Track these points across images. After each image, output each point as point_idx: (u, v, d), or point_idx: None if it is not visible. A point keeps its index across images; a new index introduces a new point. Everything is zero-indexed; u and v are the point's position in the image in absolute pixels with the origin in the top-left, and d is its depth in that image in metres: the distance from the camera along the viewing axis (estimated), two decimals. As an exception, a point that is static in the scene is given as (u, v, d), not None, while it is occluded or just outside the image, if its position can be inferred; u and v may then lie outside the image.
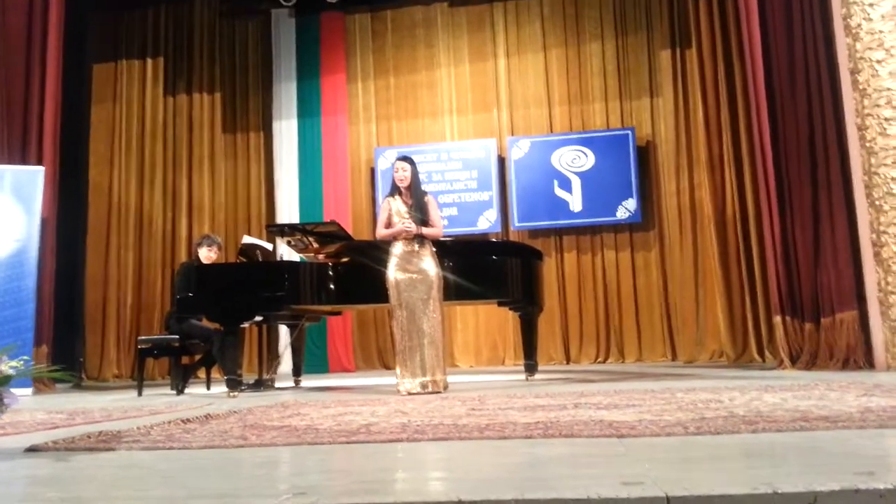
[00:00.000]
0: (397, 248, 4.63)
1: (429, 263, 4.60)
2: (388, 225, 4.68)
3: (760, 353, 6.82)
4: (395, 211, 4.68)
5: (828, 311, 5.33)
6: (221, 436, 2.52)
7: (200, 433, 2.63)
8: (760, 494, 1.28)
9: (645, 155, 8.31)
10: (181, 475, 1.81)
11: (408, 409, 3.29)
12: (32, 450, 2.32)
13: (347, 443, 2.26)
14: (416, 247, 4.62)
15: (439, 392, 4.38)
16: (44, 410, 4.02)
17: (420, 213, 4.64)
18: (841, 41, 5.23)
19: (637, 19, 8.45)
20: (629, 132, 8.26)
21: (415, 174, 4.73)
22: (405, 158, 4.80)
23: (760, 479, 1.36)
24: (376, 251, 4.91)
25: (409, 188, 4.70)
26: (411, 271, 4.57)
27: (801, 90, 5.53)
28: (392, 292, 4.56)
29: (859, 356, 5.12)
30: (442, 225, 4.88)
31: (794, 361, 5.45)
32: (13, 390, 2.40)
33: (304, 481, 1.65)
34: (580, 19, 8.60)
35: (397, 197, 4.72)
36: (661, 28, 8.23)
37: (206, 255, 5.71)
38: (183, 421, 3.09)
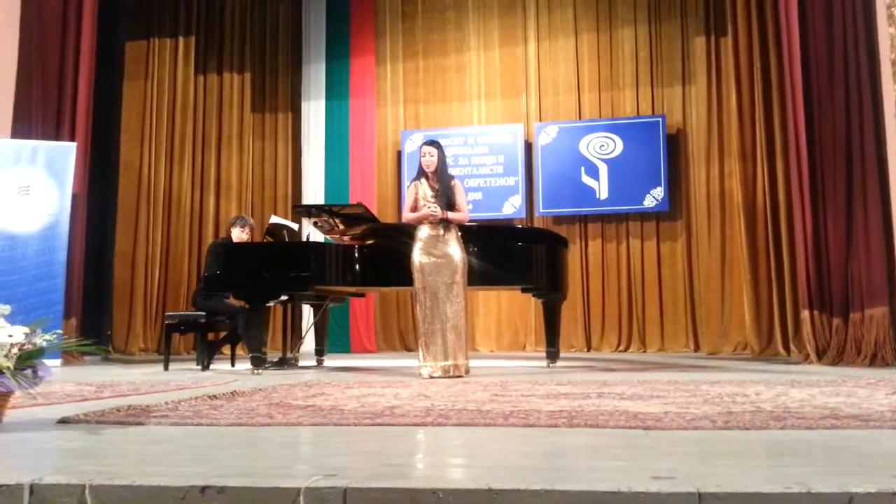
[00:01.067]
0: (423, 232, 4.63)
1: (454, 248, 4.60)
2: (415, 209, 4.67)
3: (785, 346, 6.73)
4: (422, 195, 4.67)
5: (857, 307, 5.24)
6: (248, 413, 2.55)
7: (227, 410, 2.66)
8: (794, 493, 1.26)
9: (675, 143, 8.20)
10: (211, 452, 1.83)
11: (430, 393, 3.31)
12: (64, 421, 2.37)
13: (372, 425, 2.27)
14: (442, 231, 4.61)
15: (461, 376, 4.40)
16: (73, 382, 4.10)
17: (446, 197, 4.63)
18: (883, 31, 5.09)
19: (672, 5, 8.31)
20: (660, 120, 8.15)
21: (442, 159, 4.71)
22: (432, 143, 4.78)
23: (792, 478, 1.35)
24: (402, 234, 4.92)
25: (435, 172, 4.68)
26: (436, 255, 4.56)
27: (840, 81, 5.41)
28: (416, 276, 4.57)
29: (888, 353, 5.04)
30: (468, 210, 4.86)
31: (820, 356, 5.38)
32: (45, 362, 2.45)
33: (333, 462, 1.67)
34: (613, 4, 8.48)
35: (424, 181, 4.71)
36: (696, 15, 8.08)
37: (238, 235, 5.76)
38: (210, 397, 3.13)
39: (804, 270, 5.56)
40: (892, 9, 5.02)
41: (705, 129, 7.90)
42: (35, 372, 2.36)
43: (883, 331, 5.08)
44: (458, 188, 4.75)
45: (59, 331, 2.56)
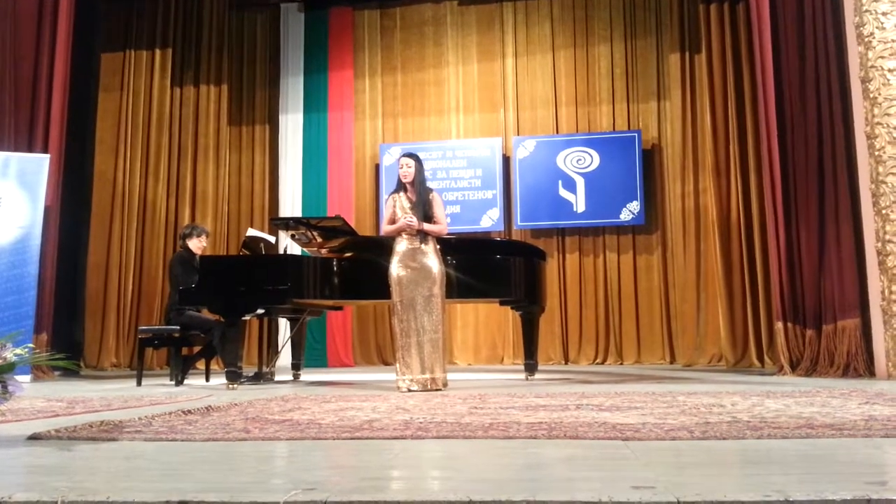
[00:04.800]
0: (401, 245, 4.62)
1: (432, 260, 4.59)
2: (393, 221, 4.67)
3: (760, 358, 6.83)
4: (400, 207, 4.67)
5: (830, 319, 5.33)
6: (224, 428, 2.51)
7: (202, 425, 2.62)
8: (772, 501, 1.27)
9: (650, 158, 8.30)
10: (186, 468, 1.80)
11: (409, 406, 3.29)
12: (34, 438, 2.32)
13: (351, 439, 2.25)
14: (420, 243, 4.60)
15: (439, 389, 4.38)
16: (43, 398, 4.01)
17: (423, 208, 4.63)
18: (853, 49, 5.22)
19: (647, 23, 8.44)
20: (635, 135, 8.25)
21: (419, 171, 4.72)
22: (410, 155, 4.79)
23: (771, 486, 1.36)
24: (380, 247, 4.90)
25: (412, 184, 4.68)
26: (414, 267, 4.55)
27: (811, 97, 5.52)
28: (394, 288, 4.55)
29: (860, 364, 5.12)
30: (446, 222, 4.86)
31: (794, 368, 5.45)
32: (16, 377, 2.40)
33: (312, 477, 1.65)
34: (590, 21, 8.59)
35: (402, 193, 4.71)
36: (670, 32, 8.22)
37: (198, 244, 5.71)
38: (184, 412, 3.08)
39: (777, 283, 5.64)
40: (861, 28, 5.14)
41: (680, 145, 8.02)
42: (5, 387, 2.31)
43: (855, 342, 5.16)
44: (436, 200, 4.75)
45: (31, 345, 2.51)
